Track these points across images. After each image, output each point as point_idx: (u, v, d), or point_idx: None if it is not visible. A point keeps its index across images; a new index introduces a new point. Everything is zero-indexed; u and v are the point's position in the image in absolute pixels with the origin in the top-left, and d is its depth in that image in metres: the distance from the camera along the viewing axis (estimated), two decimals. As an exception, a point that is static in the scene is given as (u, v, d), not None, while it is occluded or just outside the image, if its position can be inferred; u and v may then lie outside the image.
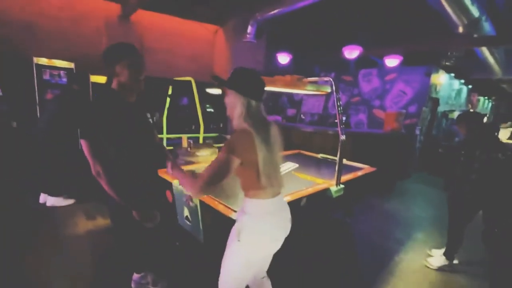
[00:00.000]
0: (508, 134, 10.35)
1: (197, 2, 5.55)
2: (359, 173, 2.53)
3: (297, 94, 7.45)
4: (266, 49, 6.58)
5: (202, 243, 1.65)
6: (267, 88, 1.96)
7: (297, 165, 2.64)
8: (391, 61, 4.94)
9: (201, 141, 3.53)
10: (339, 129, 2.01)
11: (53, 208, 3.11)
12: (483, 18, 4.75)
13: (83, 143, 1.23)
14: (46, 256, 2.26)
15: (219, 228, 1.46)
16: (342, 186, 2.05)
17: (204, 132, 3.66)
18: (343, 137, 2.02)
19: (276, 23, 6.02)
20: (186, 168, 2.27)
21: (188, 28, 6.31)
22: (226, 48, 6.51)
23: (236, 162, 1.06)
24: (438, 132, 6.53)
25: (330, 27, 5.44)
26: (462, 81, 6.86)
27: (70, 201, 3.24)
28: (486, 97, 10.69)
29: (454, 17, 4.48)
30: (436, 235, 3.09)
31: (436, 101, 6.09)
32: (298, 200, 1.69)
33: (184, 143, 2.73)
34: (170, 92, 3.80)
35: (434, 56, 5.57)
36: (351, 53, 4.69)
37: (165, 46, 6.08)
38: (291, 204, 1.60)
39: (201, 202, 1.53)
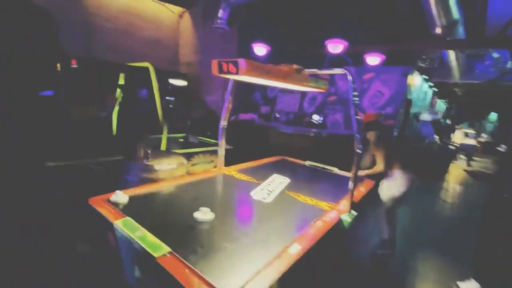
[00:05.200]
0: (462, 135, 11.24)
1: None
2: (362, 189, 2.09)
3: (272, 90, 6.95)
4: (238, 38, 5.93)
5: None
6: (254, 80, 1.39)
7: (288, 180, 2.11)
8: (373, 59, 4.69)
9: (163, 145, 2.80)
10: (355, 135, 1.52)
11: None
12: (460, 21, 4.76)
13: None
14: None
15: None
16: (354, 213, 1.57)
17: (169, 133, 2.93)
18: (359, 148, 1.53)
19: (249, 9, 5.41)
20: (141, 189, 1.58)
21: (148, 7, 5.36)
22: (193, 33, 5.71)
23: None
24: (409, 133, 6.58)
25: (310, 19, 5.02)
26: (431, 84, 7.03)
27: None
28: (442, 100, 11.41)
29: (436, 16, 4.39)
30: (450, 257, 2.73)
31: (409, 103, 6.08)
32: (313, 247, 1.15)
33: (140, 153, 2.01)
34: (121, 81, 2.99)
35: (411, 57, 5.50)
36: (335, 47, 4.32)
37: (120, 27, 5.07)
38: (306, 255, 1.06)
39: (158, 266, 0.90)
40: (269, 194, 1.72)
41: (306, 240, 1.16)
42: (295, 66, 1.65)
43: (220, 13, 4.84)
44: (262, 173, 2.17)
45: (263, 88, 7.19)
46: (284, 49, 6.05)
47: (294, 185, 2.01)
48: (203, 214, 1.27)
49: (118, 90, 2.99)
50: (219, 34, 5.31)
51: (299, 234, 1.20)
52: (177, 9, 5.70)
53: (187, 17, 5.74)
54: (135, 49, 5.31)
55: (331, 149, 4.29)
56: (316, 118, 5.91)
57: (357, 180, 1.54)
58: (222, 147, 2.22)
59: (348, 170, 2.65)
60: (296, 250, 1.06)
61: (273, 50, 5.60)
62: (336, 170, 2.62)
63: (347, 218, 1.47)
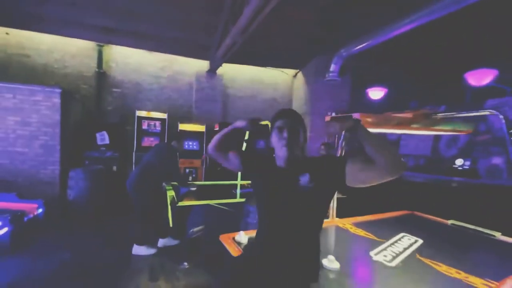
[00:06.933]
0: None
1: (276, 54, 5.61)
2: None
3: (393, 133, 6.23)
4: (352, 86, 5.95)
5: None
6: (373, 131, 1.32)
7: (420, 241, 1.73)
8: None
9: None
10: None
11: (136, 257, 2.98)
12: None
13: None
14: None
15: None
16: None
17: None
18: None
19: (363, 55, 5.42)
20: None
21: (268, 74, 6.42)
22: (304, 88, 6.22)
23: None
24: None
25: (440, 53, 4.44)
26: None
27: (152, 251, 3.07)
28: None
29: None
30: None
31: None
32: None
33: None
34: (246, 137, 3.58)
35: None
36: (481, 79, 3.51)
37: (247, 93, 6.29)
38: None
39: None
40: (393, 257, 1.46)
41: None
42: (422, 111, 1.46)
43: (332, 67, 5.10)
44: (384, 230, 1.89)
45: (382, 132, 6.58)
46: (408, 88, 5.50)
47: (429, 249, 1.61)
48: (330, 262, 1.28)
49: (244, 144, 3.58)
50: (330, 85, 5.53)
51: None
52: (291, 71, 6.50)
53: (299, 76, 6.39)
54: (256, 110, 6.32)
55: (487, 205, 3.21)
56: (459, 163, 4.71)
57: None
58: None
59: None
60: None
61: (392, 92, 5.21)
62: (499, 235, 1.93)
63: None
